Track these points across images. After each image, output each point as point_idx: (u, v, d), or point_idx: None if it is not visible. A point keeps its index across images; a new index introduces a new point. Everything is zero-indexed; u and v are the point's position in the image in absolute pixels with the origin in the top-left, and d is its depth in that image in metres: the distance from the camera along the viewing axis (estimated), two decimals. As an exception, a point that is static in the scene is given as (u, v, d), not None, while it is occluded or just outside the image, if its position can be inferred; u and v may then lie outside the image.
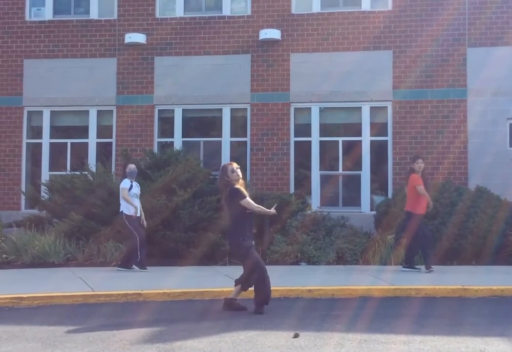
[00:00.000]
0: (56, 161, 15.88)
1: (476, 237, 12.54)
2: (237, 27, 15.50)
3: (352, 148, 15.11)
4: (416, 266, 11.60)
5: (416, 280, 10.50)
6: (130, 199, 11.55)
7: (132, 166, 11.92)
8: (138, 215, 11.69)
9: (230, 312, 8.27)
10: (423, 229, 11.53)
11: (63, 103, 15.90)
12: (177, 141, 15.52)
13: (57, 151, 16.00)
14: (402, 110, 14.98)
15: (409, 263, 11.61)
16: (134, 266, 11.61)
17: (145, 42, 15.63)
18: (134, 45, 15.67)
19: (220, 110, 15.63)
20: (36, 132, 16.21)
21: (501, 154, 14.55)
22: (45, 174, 15.69)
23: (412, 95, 14.92)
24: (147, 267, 11.59)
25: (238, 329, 7.37)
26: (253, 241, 8.46)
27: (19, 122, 16.00)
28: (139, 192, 11.86)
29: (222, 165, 8.85)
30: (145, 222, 11.83)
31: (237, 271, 10.90)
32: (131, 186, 11.71)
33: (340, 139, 15.30)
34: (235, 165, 8.42)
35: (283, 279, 10.59)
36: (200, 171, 13.58)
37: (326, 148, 15.48)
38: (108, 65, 15.80)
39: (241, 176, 8.41)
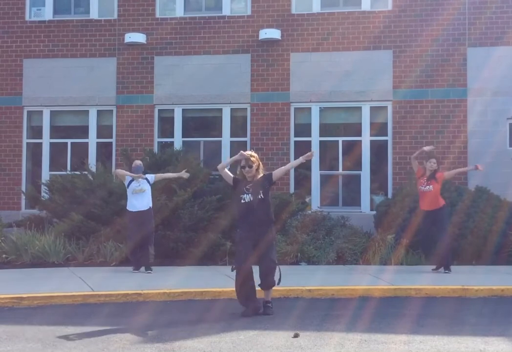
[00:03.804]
0: (56, 161, 15.87)
1: (476, 237, 12.54)
2: (237, 27, 15.50)
3: (352, 148, 15.10)
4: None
5: (416, 280, 10.51)
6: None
7: (137, 162, 11.87)
8: (136, 209, 11.53)
9: (230, 312, 8.27)
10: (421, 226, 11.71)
11: (63, 103, 15.89)
12: (177, 141, 15.51)
13: (57, 151, 15.99)
14: (402, 110, 14.97)
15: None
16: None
17: (145, 42, 15.63)
18: (134, 45, 15.66)
19: (220, 110, 15.62)
20: (36, 132, 16.20)
21: (501, 154, 14.55)
22: (45, 174, 15.68)
23: (412, 94, 14.91)
24: (139, 269, 11.54)
25: (238, 329, 7.37)
26: (248, 233, 8.09)
27: (19, 122, 15.99)
28: (142, 188, 11.56)
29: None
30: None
31: (237, 271, 10.89)
32: (130, 181, 11.61)
33: (340, 139, 15.29)
34: (247, 162, 8.18)
35: (283, 279, 10.58)
36: (200, 171, 13.58)
37: (326, 148, 15.48)
38: (108, 65, 15.79)
39: (250, 173, 8.17)
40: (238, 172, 8.43)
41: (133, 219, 11.57)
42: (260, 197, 8.11)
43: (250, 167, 8.18)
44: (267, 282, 8.18)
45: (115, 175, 12.37)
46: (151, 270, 11.46)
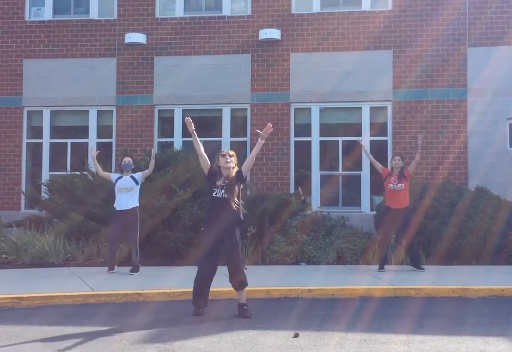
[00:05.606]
0: (56, 161, 15.87)
1: (476, 237, 12.54)
2: (237, 27, 15.50)
3: (352, 148, 15.09)
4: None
5: (416, 280, 10.51)
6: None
7: (126, 159, 11.51)
8: (119, 208, 11.28)
9: (230, 312, 8.26)
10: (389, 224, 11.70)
11: (63, 103, 15.90)
12: (177, 141, 15.51)
13: (57, 151, 15.99)
14: (402, 110, 14.98)
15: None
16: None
17: (145, 42, 15.63)
18: (134, 45, 15.67)
19: (220, 110, 15.62)
20: (36, 132, 16.20)
21: (501, 154, 14.55)
22: (45, 174, 15.69)
23: (412, 95, 14.92)
24: (114, 269, 11.28)
25: (238, 329, 7.37)
26: (216, 233, 7.90)
27: (19, 122, 16.00)
28: (128, 186, 11.28)
29: None
30: None
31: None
32: (118, 179, 11.36)
33: (340, 139, 15.30)
34: (228, 152, 8.11)
35: (283, 279, 10.61)
36: (200, 171, 13.54)
37: (326, 148, 15.48)
38: (108, 65, 15.79)
39: (229, 165, 7.97)
40: (216, 164, 8.14)
41: (116, 218, 11.31)
42: (234, 195, 7.91)
43: (231, 157, 8.01)
44: (241, 283, 8.09)
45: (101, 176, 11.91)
46: (137, 272, 11.20)
